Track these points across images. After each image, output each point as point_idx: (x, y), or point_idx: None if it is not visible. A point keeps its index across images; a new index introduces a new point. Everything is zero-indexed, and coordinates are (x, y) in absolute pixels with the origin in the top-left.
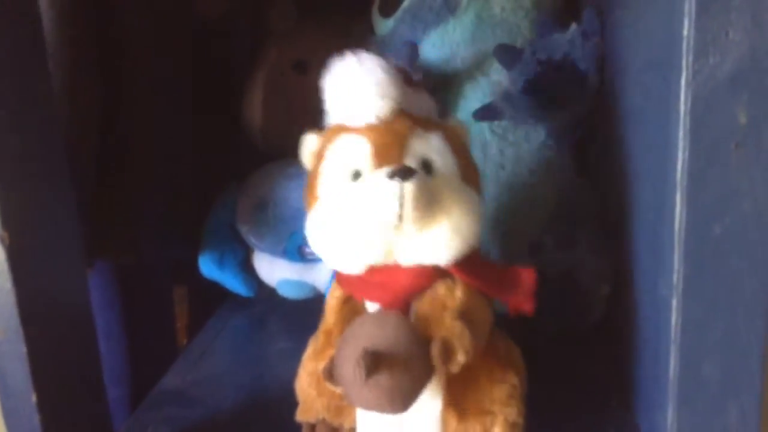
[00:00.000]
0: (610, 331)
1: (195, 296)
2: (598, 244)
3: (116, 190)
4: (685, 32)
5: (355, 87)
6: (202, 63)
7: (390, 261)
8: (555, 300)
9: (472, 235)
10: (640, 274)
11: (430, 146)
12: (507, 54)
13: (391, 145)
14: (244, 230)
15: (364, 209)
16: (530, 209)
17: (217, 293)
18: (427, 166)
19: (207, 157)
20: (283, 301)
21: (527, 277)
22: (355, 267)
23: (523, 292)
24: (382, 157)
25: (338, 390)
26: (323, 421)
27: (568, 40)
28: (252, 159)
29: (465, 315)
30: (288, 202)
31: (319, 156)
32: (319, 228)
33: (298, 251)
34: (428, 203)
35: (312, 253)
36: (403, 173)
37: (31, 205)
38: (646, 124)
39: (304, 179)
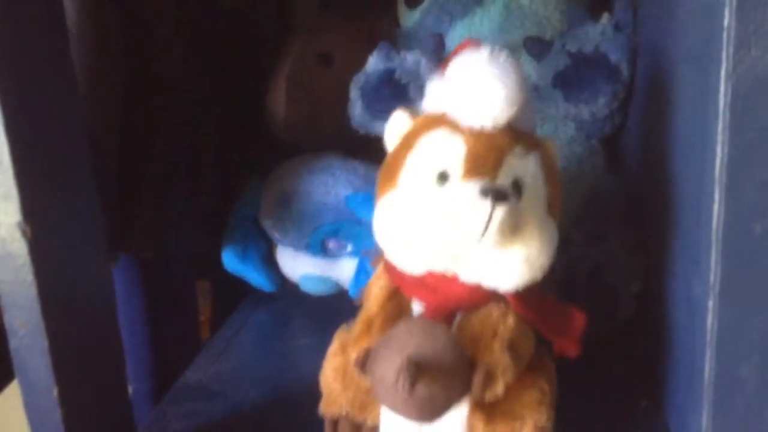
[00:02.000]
0: (641, 330)
1: (218, 290)
2: (628, 240)
3: (138, 185)
4: (726, 23)
5: (487, 84)
6: (227, 55)
7: (451, 271)
8: (584, 297)
9: (542, 269)
10: (673, 272)
11: (525, 168)
12: (536, 46)
13: (487, 157)
14: (267, 225)
15: (446, 218)
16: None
17: (240, 287)
18: (517, 188)
19: (230, 151)
20: (306, 297)
21: (578, 320)
22: (414, 268)
23: (571, 336)
24: (475, 166)
25: (366, 382)
26: (346, 416)
27: (600, 31)
28: (275, 152)
29: (513, 347)
30: (312, 196)
31: (408, 142)
32: (391, 219)
33: (321, 246)
34: (513, 230)
35: (335, 249)
36: (497, 195)
37: (53, 198)
38: (682, 118)
39: (331, 173)
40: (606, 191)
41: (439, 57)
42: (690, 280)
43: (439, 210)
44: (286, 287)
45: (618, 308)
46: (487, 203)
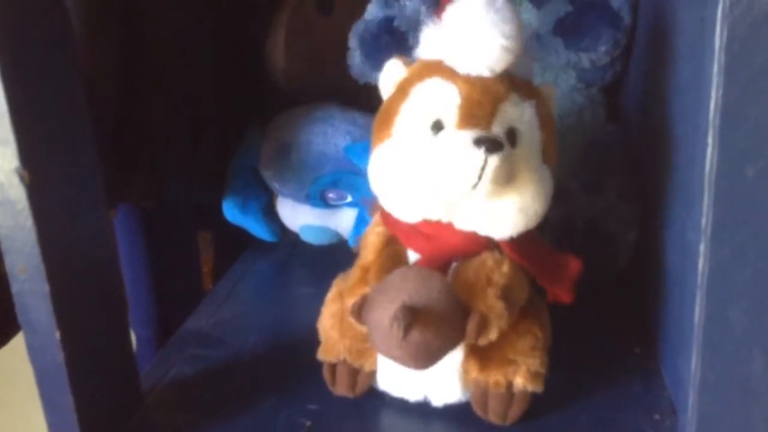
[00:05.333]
0: (637, 277)
1: (220, 241)
2: (626, 189)
3: (138, 135)
4: None
5: (483, 31)
6: (225, 4)
7: (446, 219)
8: (581, 246)
9: (537, 217)
10: (669, 219)
11: (521, 116)
12: None
13: (482, 105)
14: (267, 175)
15: (440, 167)
16: (558, 155)
17: (242, 238)
18: (512, 136)
19: (229, 101)
20: (306, 247)
21: (573, 267)
22: (410, 216)
23: (565, 283)
24: (470, 114)
25: (362, 329)
26: (344, 362)
27: None
28: (275, 102)
29: (507, 294)
30: (311, 146)
31: (402, 91)
32: (385, 169)
33: (321, 196)
34: (507, 179)
35: (335, 199)
36: (491, 144)
37: (51, 143)
38: (681, 62)
39: (330, 123)
40: (606, 141)
41: (438, 3)
42: (684, 225)
43: (433, 159)
44: (287, 237)
45: (615, 256)
46: (480, 152)
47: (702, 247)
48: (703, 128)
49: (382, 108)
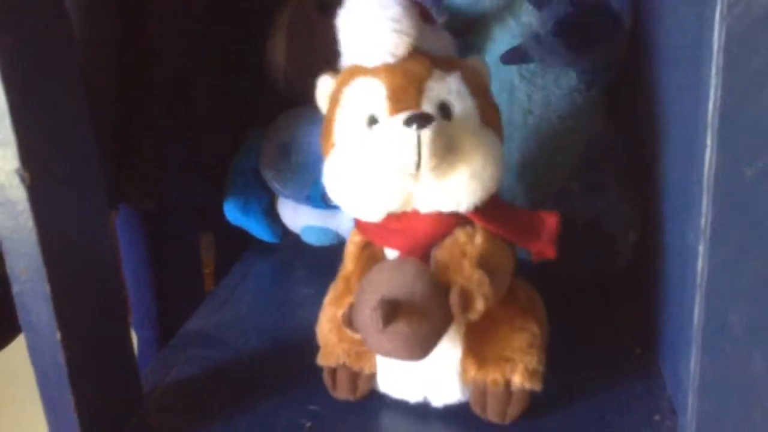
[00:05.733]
0: (637, 278)
1: (221, 242)
2: (626, 190)
3: (139, 136)
4: None
5: (369, 23)
6: (225, 5)
7: (409, 208)
8: (582, 247)
9: (493, 180)
10: (668, 220)
11: (448, 89)
12: None
13: (407, 88)
14: (268, 176)
15: (380, 157)
16: (558, 155)
17: (243, 239)
18: (445, 110)
19: (230, 102)
20: (307, 248)
21: (550, 222)
22: (373, 215)
23: (545, 238)
24: (398, 100)
25: (357, 336)
26: (344, 365)
27: None
28: (275, 104)
29: (485, 262)
30: (312, 147)
31: (335, 100)
32: (336, 175)
33: (321, 198)
34: (446, 150)
35: None
36: (420, 120)
37: (51, 144)
38: (680, 63)
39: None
40: (607, 141)
41: (438, 4)
42: (684, 226)
43: (373, 150)
44: (288, 238)
45: (615, 257)
46: (412, 131)
47: (701, 248)
48: (701, 129)
49: (323, 123)
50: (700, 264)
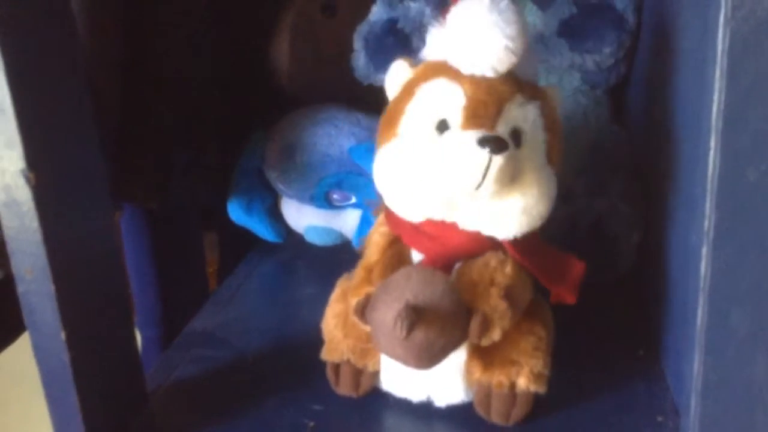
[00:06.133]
0: (640, 279)
1: (225, 242)
2: (630, 191)
3: (143, 136)
4: None
5: (486, 32)
6: (230, 6)
7: (450, 219)
8: (585, 248)
9: (541, 218)
10: (672, 222)
11: (525, 117)
12: None
13: (487, 105)
14: (272, 176)
15: (444, 168)
16: (562, 156)
17: (247, 239)
18: (516, 137)
19: (234, 103)
20: (311, 248)
21: (577, 269)
22: (414, 216)
23: (568, 284)
24: (475, 115)
25: (366, 329)
26: (348, 362)
27: None
28: (279, 104)
29: (510, 294)
30: (316, 148)
31: (408, 91)
32: (391, 168)
33: (325, 198)
34: (510, 180)
35: (339, 200)
36: (495, 144)
37: (56, 146)
38: (684, 65)
39: (334, 124)
40: (610, 142)
41: (443, 5)
42: (687, 228)
43: (438, 159)
44: (292, 238)
45: (619, 258)
46: (484, 153)
47: (704, 250)
48: (705, 131)
49: (388, 108)
50: (703, 266)
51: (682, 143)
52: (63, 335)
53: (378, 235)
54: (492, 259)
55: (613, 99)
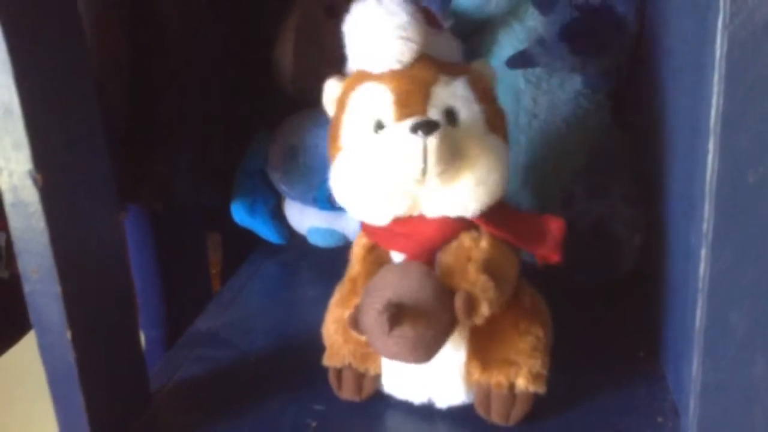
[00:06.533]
0: (641, 281)
1: (228, 243)
2: (631, 194)
3: (148, 137)
4: None
5: (375, 30)
6: (235, 8)
7: (415, 212)
8: (587, 251)
9: (498, 185)
10: (672, 224)
11: (454, 94)
12: None
13: (414, 94)
14: (275, 178)
15: (387, 163)
16: (563, 159)
17: (250, 240)
18: (451, 116)
19: (238, 105)
20: (313, 249)
21: (556, 227)
22: (379, 218)
23: (551, 243)
24: (404, 106)
25: (363, 338)
26: (349, 366)
27: None
28: (283, 106)
29: (490, 267)
30: (319, 149)
31: (341, 104)
32: (343, 179)
33: (328, 199)
34: (452, 157)
35: None
36: (426, 127)
37: (63, 147)
38: (684, 69)
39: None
40: (611, 145)
41: (445, 8)
42: (687, 230)
43: (380, 155)
44: (294, 239)
45: (620, 260)
46: (418, 137)
47: (703, 252)
48: (704, 135)
49: (330, 126)
50: (702, 267)
51: (682, 146)
52: (68, 334)
53: (358, 247)
54: (465, 238)
55: (614, 102)
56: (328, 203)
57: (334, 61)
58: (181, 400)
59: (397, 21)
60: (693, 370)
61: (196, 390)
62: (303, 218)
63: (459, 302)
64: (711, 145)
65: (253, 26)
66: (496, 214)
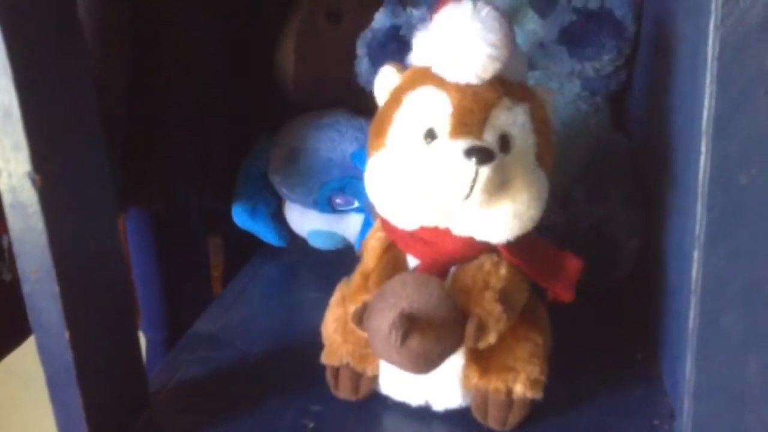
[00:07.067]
0: (638, 284)
1: (229, 246)
2: (629, 197)
3: (149, 140)
4: None
5: (467, 39)
6: (237, 12)
7: (443, 225)
8: (584, 253)
9: (533, 221)
10: (668, 226)
11: (514, 122)
12: (541, 2)
13: (474, 113)
14: (275, 181)
15: (432, 179)
16: (562, 162)
17: (251, 243)
18: (505, 142)
19: (239, 108)
20: (314, 252)
21: (573, 266)
22: (407, 224)
23: (564, 282)
24: (462, 123)
25: (364, 335)
26: (347, 365)
27: None
28: (284, 109)
29: (505, 296)
30: (319, 153)
31: (396, 99)
32: (381, 178)
33: (328, 202)
34: (499, 188)
35: (342, 204)
36: (482, 155)
37: (62, 148)
38: (680, 72)
39: (337, 129)
40: (610, 148)
41: None
42: (682, 232)
43: (426, 169)
44: (295, 242)
45: (618, 263)
46: (471, 164)
47: (696, 254)
48: (696, 136)
49: (377, 116)
50: (695, 269)
51: (678, 149)
52: (67, 335)
53: (374, 241)
54: (486, 262)
55: (612, 105)
56: (328, 206)
57: (335, 65)
58: (180, 401)
59: (492, 38)
60: (686, 372)
61: (195, 391)
62: (303, 221)
63: (471, 329)
64: (703, 147)
65: (254, 29)
66: (519, 244)
